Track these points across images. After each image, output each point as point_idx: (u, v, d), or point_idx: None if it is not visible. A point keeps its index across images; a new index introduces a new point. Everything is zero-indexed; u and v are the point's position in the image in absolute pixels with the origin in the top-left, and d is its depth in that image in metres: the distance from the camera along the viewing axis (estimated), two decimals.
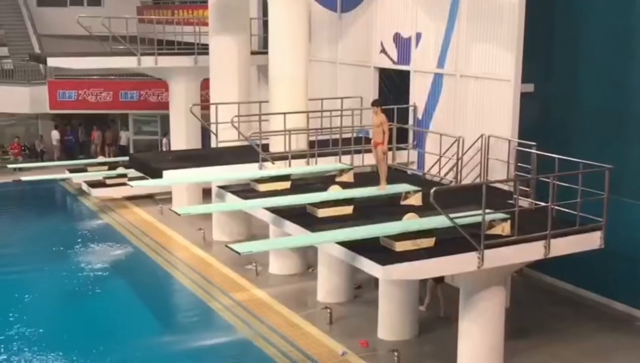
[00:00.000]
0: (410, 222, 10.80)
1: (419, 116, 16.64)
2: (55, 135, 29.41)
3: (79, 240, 19.77)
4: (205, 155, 17.56)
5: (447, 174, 14.97)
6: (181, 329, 14.51)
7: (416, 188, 13.10)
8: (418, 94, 16.66)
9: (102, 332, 14.04)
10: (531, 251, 11.02)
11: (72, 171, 24.89)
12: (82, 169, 24.68)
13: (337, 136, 16.06)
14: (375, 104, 13.30)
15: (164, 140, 27.07)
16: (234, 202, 13.98)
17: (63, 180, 25.73)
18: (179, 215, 12.99)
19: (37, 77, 28.55)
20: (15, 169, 25.75)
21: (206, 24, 20.11)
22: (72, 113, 29.52)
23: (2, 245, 19.85)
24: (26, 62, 27.89)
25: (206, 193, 20.61)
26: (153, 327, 14.51)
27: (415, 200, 12.85)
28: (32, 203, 25.17)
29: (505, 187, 13.49)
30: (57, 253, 18.63)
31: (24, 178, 24.31)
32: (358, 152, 15.99)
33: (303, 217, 12.27)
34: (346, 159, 15.69)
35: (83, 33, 21.50)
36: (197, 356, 13.21)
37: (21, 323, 14.40)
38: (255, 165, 15.32)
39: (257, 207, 13.15)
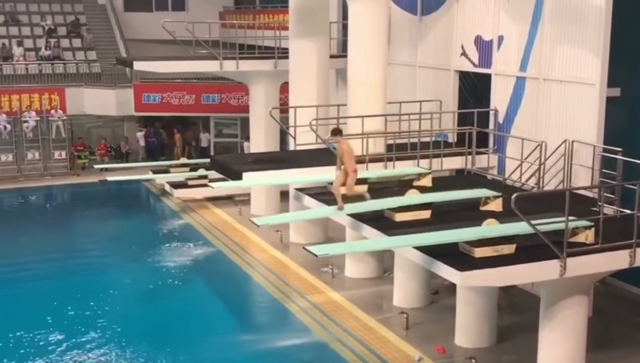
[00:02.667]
0: (490, 228, 10.63)
1: (500, 120, 16.36)
2: (140, 136, 30.30)
3: (161, 239, 20.29)
4: (283, 157, 17.74)
5: (528, 179, 14.67)
6: (257, 329, 14.70)
7: (496, 193, 12.89)
8: (499, 98, 16.38)
9: (179, 329, 14.35)
10: (616, 260, 10.68)
11: (155, 172, 25.60)
12: (165, 170, 25.35)
13: (416, 140, 15.96)
14: (334, 133, 12.79)
15: (246, 144, 27.49)
16: (310, 204, 14.09)
17: (147, 180, 26.48)
18: (258, 226, 13.19)
19: (123, 81, 29.45)
20: (101, 169, 26.65)
21: (286, 28, 20.32)
22: (156, 115, 30.32)
23: (88, 243, 20.59)
24: (113, 65, 28.77)
25: (284, 195, 20.82)
26: (230, 326, 14.74)
27: (496, 205, 12.64)
28: (116, 203, 26.00)
29: (589, 194, 13.12)
30: (139, 252, 19.16)
31: (109, 178, 25.13)
32: (437, 156, 15.86)
33: (380, 220, 12.24)
34: (424, 162, 15.57)
35: (168, 37, 22.06)
36: (272, 357, 13.34)
37: (102, 318, 14.87)
38: (333, 168, 15.34)
39: (334, 214, 13.16)
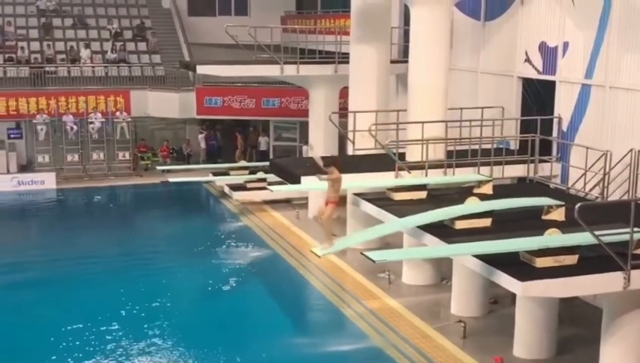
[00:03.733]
0: (552, 238, 10.44)
1: (564, 128, 16.05)
2: (202, 139, 30.76)
3: (219, 240, 20.53)
4: (342, 162, 17.72)
5: (592, 189, 14.35)
6: (313, 333, 14.74)
7: (559, 202, 12.64)
8: (563, 105, 16.08)
9: (235, 330, 14.49)
10: None
11: (215, 174, 25.94)
12: (224, 173, 25.66)
13: (477, 147, 15.79)
14: (327, 164, 12.81)
15: (305, 147, 27.65)
16: (368, 209, 14.10)
17: (207, 182, 26.86)
18: (319, 257, 13.33)
19: (186, 84, 29.92)
20: (163, 171, 27.14)
21: (347, 33, 20.35)
22: (217, 118, 30.71)
23: (148, 243, 20.97)
24: (176, 69, 29.27)
25: (341, 200, 20.77)
26: (286, 328, 14.81)
27: (558, 215, 12.40)
28: (177, 204, 26.41)
29: None
30: (197, 253, 19.44)
31: (171, 179, 25.60)
32: (498, 163, 15.65)
33: (439, 228, 12.13)
34: (485, 170, 15.40)
35: (230, 42, 22.33)
36: (327, 361, 13.35)
37: (159, 316, 15.11)
38: (391, 173, 15.31)
39: (395, 227, 13.08)
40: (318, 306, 16.24)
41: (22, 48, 30.56)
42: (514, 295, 12.72)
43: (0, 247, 20.66)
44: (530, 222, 12.23)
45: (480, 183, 14.39)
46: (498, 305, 14.89)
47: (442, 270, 16.33)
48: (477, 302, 14.58)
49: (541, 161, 15.88)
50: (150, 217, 24.44)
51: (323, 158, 13.29)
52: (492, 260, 10.25)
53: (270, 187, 16.46)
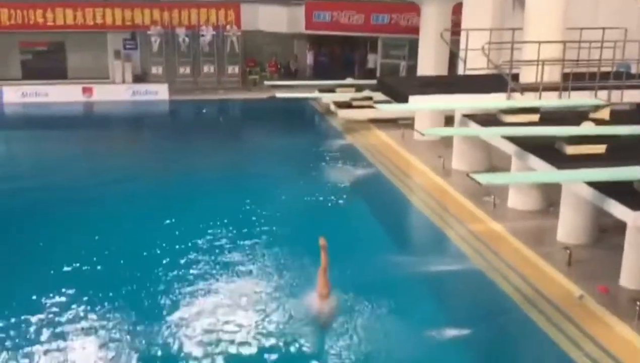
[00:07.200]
0: None
1: None
2: (310, 55, 30.78)
3: (323, 157, 20.72)
4: (451, 82, 17.40)
5: None
6: (413, 252, 14.76)
7: None
8: None
9: (334, 247, 14.61)
10: None
11: (321, 91, 25.99)
12: (331, 90, 25.66)
13: (595, 69, 15.04)
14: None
15: (402, 63, 27.35)
16: (477, 130, 13.79)
17: (313, 99, 26.96)
18: (423, 135, 13.00)
19: None
20: (271, 86, 27.45)
21: None
22: (324, 35, 30.51)
23: (253, 157, 21.50)
24: None
25: (448, 121, 20.48)
26: (386, 247, 14.84)
27: None
28: (283, 120, 26.77)
29: None
30: (300, 168, 19.70)
31: (278, 95, 25.86)
32: (617, 87, 14.90)
33: (549, 152, 11.80)
34: (603, 94, 14.70)
35: None
36: (427, 280, 13.40)
37: (261, 228, 15.36)
38: (503, 95, 14.88)
39: (503, 135, 12.79)
40: (420, 226, 16.25)
41: None
42: (624, 225, 12.28)
43: (116, 153, 21.83)
44: None
45: (596, 108, 13.78)
46: (607, 233, 14.44)
47: (550, 195, 15.91)
48: (584, 229, 14.16)
49: None
50: (256, 131, 24.96)
51: None
52: (604, 188, 9.91)
53: (377, 106, 16.33)
